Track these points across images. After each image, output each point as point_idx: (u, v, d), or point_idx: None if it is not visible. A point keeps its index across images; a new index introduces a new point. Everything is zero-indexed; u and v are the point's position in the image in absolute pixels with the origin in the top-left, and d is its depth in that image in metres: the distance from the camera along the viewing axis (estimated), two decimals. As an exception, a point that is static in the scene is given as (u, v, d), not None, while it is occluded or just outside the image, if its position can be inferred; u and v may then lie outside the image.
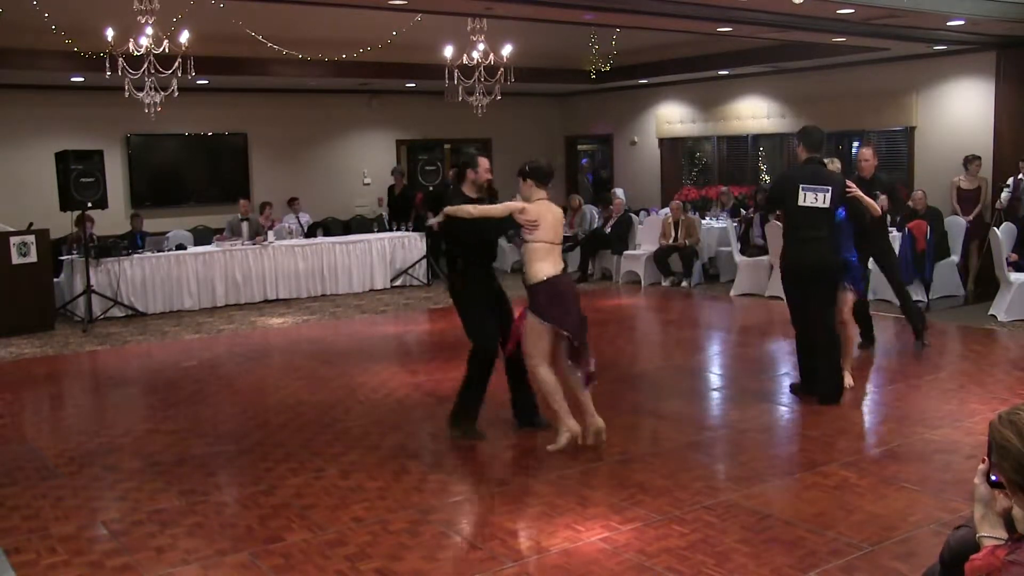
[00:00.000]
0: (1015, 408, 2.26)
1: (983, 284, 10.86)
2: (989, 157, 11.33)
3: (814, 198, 6.39)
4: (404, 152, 15.91)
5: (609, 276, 13.64)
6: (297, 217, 14.12)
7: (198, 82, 12.10)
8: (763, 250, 11.62)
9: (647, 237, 13.39)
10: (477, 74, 10.88)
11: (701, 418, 6.60)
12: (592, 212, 14.84)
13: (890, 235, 8.69)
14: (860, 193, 6.63)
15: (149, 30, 8.83)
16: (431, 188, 13.02)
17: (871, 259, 8.68)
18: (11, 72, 11.30)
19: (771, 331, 9.57)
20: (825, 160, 7.05)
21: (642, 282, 12.93)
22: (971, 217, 11.19)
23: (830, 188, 6.40)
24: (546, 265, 5.56)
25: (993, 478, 2.37)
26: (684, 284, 12.67)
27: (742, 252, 12.01)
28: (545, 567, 4.08)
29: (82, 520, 4.78)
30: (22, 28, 10.30)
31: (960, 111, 11.89)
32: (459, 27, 10.53)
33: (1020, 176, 10.55)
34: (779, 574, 3.94)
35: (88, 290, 10.72)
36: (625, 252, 13.32)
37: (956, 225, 11.09)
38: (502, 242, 15.07)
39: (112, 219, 12.59)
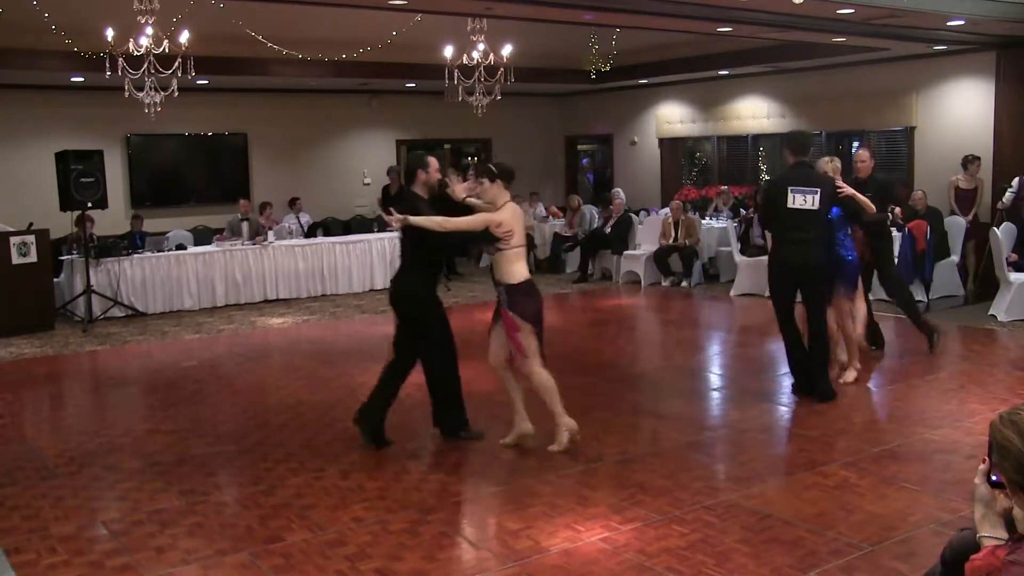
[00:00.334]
0: (1015, 408, 2.26)
1: (983, 284, 10.86)
2: (989, 157, 11.33)
3: (803, 200, 6.44)
4: (404, 152, 15.90)
5: (609, 276, 13.64)
6: (297, 217, 14.12)
7: (198, 82, 12.10)
8: (763, 250, 11.59)
9: (647, 237, 13.39)
10: (477, 74, 10.87)
11: (701, 418, 6.60)
12: (592, 212, 14.85)
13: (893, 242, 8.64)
14: (852, 191, 6.64)
15: (149, 30, 8.83)
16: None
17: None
18: (11, 72, 11.30)
19: (771, 331, 9.51)
20: (825, 159, 7.06)
21: (642, 282, 12.92)
22: (969, 217, 11.19)
23: (819, 190, 6.44)
24: (522, 266, 5.60)
25: (994, 478, 2.38)
26: (684, 284, 12.67)
27: (742, 252, 12.01)
28: (545, 567, 4.08)
29: (82, 520, 4.78)
30: (22, 28, 10.30)
31: (960, 111, 11.88)
32: (459, 27, 10.53)
33: None
34: (779, 574, 3.94)
35: (88, 290, 10.72)
36: (625, 252, 13.32)
37: (956, 225, 11.09)
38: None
39: (112, 219, 12.59)
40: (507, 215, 5.50)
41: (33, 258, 10.36)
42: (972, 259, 11.28)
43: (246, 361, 8.72)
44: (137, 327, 10.60)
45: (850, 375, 7.16)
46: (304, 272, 12.50)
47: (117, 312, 11.09)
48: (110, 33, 8.90)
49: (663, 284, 12.83)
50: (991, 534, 2.43)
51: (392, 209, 5.55)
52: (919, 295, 10.56)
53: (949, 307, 10.47)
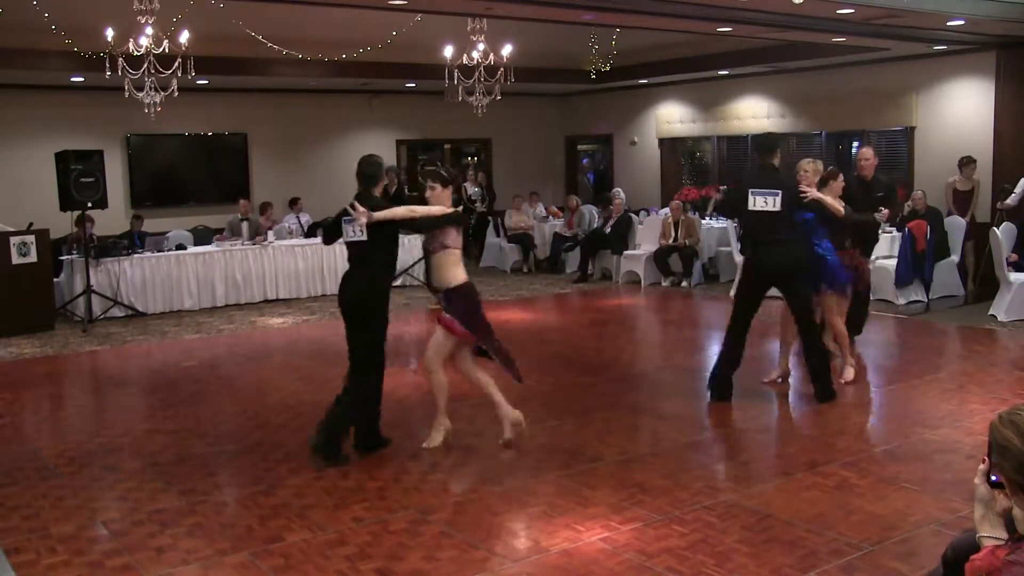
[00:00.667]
0: (1015, 408, 2.26)
1: (983, 284, 10.86)
2: (989, 157, 11.32)
3: (764, 202, 6.45)
4: (404, 152, 15.90)
5: (609, 276, 13.64)
6: (298, 217, 14.12)
7: (198, 82, 12.10)
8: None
9: (647, 237, 13.39)
10: (477, 74, 10.87)
11: (701, 418, 6.59)
12: (591, 212, 14.86)
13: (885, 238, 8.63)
14: (818, 196, 6.57)
15: (149, 30, 8.83)
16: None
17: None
18: (11, 72, 11.30)
19: (771, 331, 9.53)
20: (807, 160, 6.97)
21: (642, 282, 12.92)
22: (967, 218, 11.19)
23: (780, 192, 6.44)
24: (461, 270, 5.59)
25: (993, 478, 2.37)
26: (684, 284, 12.67)
27: (742, 252, 11.98)
28: (545, 567, 4.08)
29: (82, 520, 4.78)
30: (22, 28, 10.30)
31: (960, 111, 11.88)
32: (459, 27, 10.53)
33: None
34: (779, 574, 3.95)
35: (88, 290, 10.72)
36: (625, 252, 13.32)
37: (956, 225, 11.09)
38: (501, 242, 15.17)
39: (112, 219, 12.58)
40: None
41: (33, 258, 10.36)
42: (971, 259, 11.28)
43: (246, 361, 8.72)
44: (137, 327, 10.60)
45: (849, 373, 7.16)
46: (304, 272, 12.50)
47: (117, 312, 11.09)
48: (110, 33, 8.90)
49: (663, 284, 12.84)
50: (991, 534, 2.43)
51: (356, 203, 5.38)
52: (920, 295, 10.57)
53: (949, 307, 10.47)
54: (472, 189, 15.87)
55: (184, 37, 9.05)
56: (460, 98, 11.61)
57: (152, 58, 9.00)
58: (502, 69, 10.79)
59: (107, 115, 13.02)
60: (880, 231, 8.28)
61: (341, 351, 9.11)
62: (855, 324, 8.22)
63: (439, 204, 5.58)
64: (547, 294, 12.54)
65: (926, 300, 10.36)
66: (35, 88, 12.71)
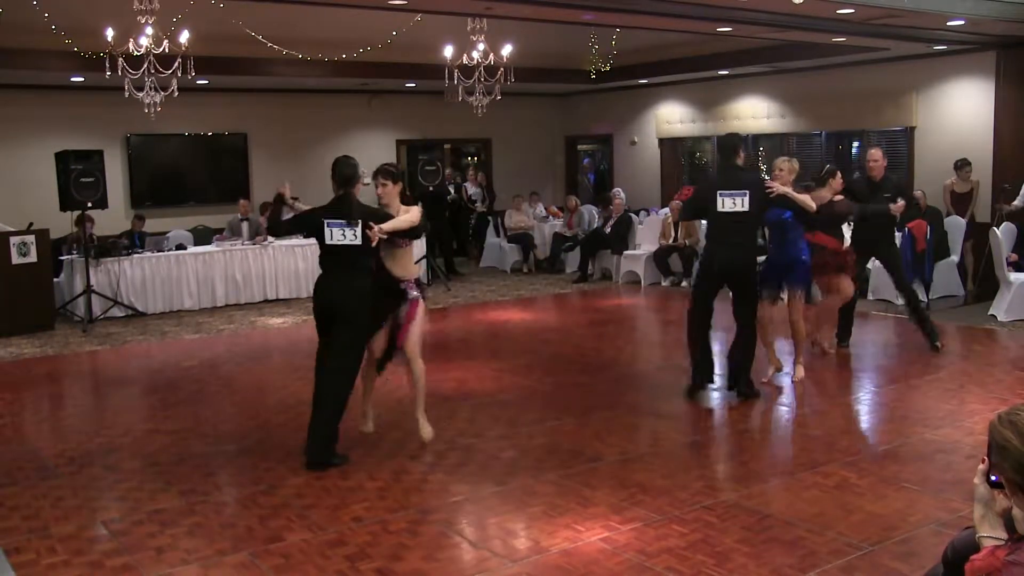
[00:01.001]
0: (1015, 408, 2.26)
1: (983, 284, 10.86)
2: (989, 157, 11.32)
3: (732, 203, 6.47)
4: (404, 152, 15.90)
5: (609, 276, 13.64)
6: (297, 217, 14.11)
7: (198, 82, 12.09)
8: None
9: (647, 237, 13.39)
10: (477, 74, 10.87)
11: (701, 418, 6.60)
12: (591, 212, 14.86)
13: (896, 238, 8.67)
14: (784, 190, 6.62)
15: (149, 30, 8.82)
16: (431, 188, 13.08)
17: (873, 259, 8.72)
18: (11, 72, 11.29)
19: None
20: (782, 159, 7.06)
21: (642, 282, 12.93)
22: (966, 218, 11.18)
23: (747, 192, 6.47)
24: (413, 261, 5.90)
25: (993, 478, 2.38)
26: (684, 284, 12.66)
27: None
28: (545, 567, 4.08)
29: (82, 520, 4.78)
30: (22, 28, 10.30)
31: (960, 111, 11.88)
32: (459, 27, 10.53)
33: None
34: (779, 574, 3.95)
35: (88, 290, 10.72)
36: (625, 252, 13.32)
37: (956, 225, 11.09)
38: (501, 242, 15.17)
39: (112, 219, 12.58)
40: (414, 210, 5.74)
41: (33, 258, 10.36)
42: (970, 259, 11.28)
43: (246, 361, 8.72)
44: (137, 327, 10.60)
45: (799, 372, 7.26)
46: (304, 272, 12.48)
47: (117, 312, 11.09)
48: (110, 33, 8.89)
49: (663, 284, 12.84)
50: (991, 534, 2.43)
51: (373, 224, 5.40)
52: (920, 295, 10.56)
53: (949, 307, 10.47)
54: (472, 189, 15.88)
55: (184, 37, 9.04)
56: (460, 98, 11.61)
57: (152, 58, 8.99)
58: (502, 69, 10.79)
59: (107, 115, 13.02)
60: (895, 224, 8.37)
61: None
62: (846, 329, 8.29)
63: (390, 200, 5.77)
64: (547, 294, 12.54)
65: (926, 300, 10.36)
66: (35, 88, 12.70)
